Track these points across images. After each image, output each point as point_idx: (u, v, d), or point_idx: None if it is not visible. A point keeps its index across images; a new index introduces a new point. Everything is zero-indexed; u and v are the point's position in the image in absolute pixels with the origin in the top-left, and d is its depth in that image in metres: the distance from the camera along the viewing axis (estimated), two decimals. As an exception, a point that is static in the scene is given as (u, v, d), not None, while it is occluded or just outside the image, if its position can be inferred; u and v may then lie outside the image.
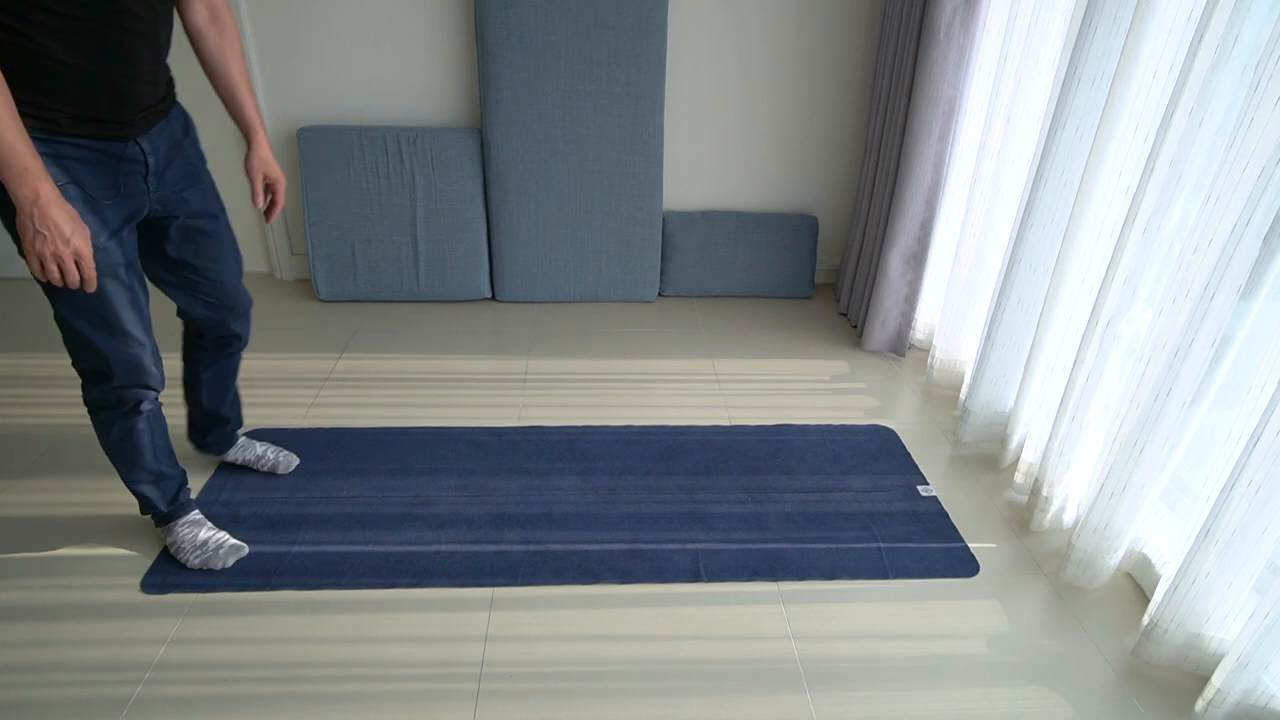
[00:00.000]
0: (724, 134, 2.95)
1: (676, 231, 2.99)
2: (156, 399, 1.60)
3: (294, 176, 2.92)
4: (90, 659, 1.53)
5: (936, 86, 2.27)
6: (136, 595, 1.68)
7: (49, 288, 1.38)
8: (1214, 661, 1.51)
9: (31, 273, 1.29)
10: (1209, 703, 1.43)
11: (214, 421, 1.91)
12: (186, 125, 1.55)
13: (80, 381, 1.54)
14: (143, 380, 1.53)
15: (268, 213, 1.65)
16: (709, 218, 3.00)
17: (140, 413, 1.58)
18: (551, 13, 2.59)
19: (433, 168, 2.78)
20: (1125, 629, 1.67)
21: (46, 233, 1.24)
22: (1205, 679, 1.51)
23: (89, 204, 1.35)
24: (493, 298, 3.03)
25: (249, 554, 1.77)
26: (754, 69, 2.84)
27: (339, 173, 2.77)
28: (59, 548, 1.79)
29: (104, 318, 1.43)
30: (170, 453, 1.70)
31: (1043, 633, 1.66)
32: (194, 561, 1.72)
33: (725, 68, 2.84)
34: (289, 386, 2.42)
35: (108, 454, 1.63)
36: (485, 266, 2.94)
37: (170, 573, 1.72)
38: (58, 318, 1.43)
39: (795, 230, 3.03)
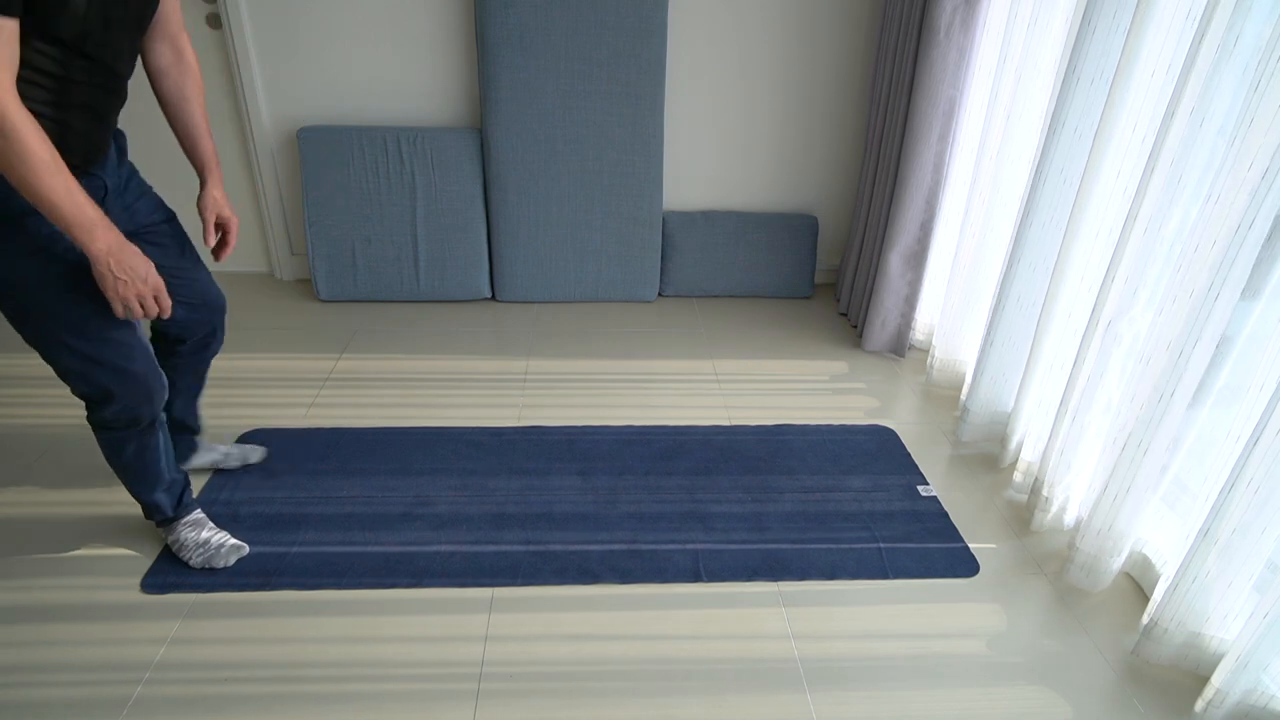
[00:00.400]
0: (724, 134, 2.95)
1: (676, 231, 2.99)
2: (163, 406, 1.60)
3: (294, 176, 2.92)
4: (90, 659, 1.53)
5: (936, 86, 2.27)
6: (136, 595, 1.68)
7: (31, 324, 1.38)
8: (1214, 661, 1.51)
9: (41, 317, 1.31)
10: (1209, 703, 1.43)
11: (180, 432, 1.90)
12: (121, 143, 1.54)
13: (85, 405, 1.52)
14: (148, 385, 1.52)
15: (217, 252, 1.62)
16: (709, 218, 3.00)
17: (154, 429, 1.59)
18: (551, 13, 2.59)
19: (433, 168, 2.78)
20: (1125, 628, 1.67)
21: (126, 277, 1.30)
22: (1205, 679, 1.51)
23: None
24: (493, 298, 3.03)
25: (249, 554, 1.77)
26: (754, 69, 2.84)
27: (339, 173, 2.76)
28: (59, 548, 1.79)
29: (101, 333, 1.43)
30: (173, 457, 1.71)
31: (1042, 632, 1.66)
32: (196, 560, 1.72)
33: (725, 68, 2.84)
34: (289, 386, 2.42)
35: (119, 471, 1.63)
36: (485, 266, 2.94)
37: (170, 573, 1.72)
38: (48, 352, 1.42)
39: (795, 230, 3.03)
